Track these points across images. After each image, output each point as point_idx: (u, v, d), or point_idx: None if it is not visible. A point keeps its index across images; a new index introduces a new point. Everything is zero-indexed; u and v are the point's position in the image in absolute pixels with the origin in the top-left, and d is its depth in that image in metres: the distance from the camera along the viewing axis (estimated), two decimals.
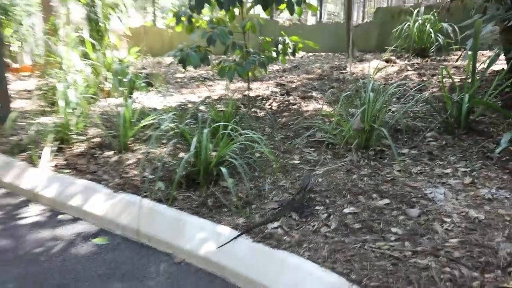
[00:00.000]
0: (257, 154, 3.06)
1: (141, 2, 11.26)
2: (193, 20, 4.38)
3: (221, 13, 4.53)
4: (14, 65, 7.95)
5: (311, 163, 2.93)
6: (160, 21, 12.32)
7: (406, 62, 6.18)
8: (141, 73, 5.86)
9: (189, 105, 4.83)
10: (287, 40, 4.61)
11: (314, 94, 4.92)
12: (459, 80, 4.66)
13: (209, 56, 4.21)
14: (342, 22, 9.00)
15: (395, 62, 6.17)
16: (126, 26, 6.28)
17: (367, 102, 2.97)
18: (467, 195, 2.30)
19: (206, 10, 4.33)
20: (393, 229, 2.00)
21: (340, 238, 1.95)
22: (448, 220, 2.05)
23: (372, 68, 5.96)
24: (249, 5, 4.45)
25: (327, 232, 2.03)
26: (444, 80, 4.71)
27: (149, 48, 9.36)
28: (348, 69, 6.08)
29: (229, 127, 2.79)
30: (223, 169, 2.40)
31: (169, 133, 3.03)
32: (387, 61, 6.24)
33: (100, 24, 5.56)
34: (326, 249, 1.85)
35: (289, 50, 4.64)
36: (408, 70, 5.57)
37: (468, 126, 3.21)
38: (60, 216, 2.55)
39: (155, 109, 4.38)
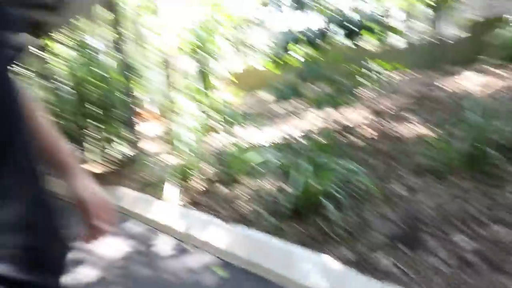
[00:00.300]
0: (359, 184, 2.95)
1: (239, 47, 11.90)
2: (285, 59, 4.50)
3: (310, 51, 4.58)
4: (141, 112, 8.93)
5: (415, 190, 2.73)
6: (257, 61, 12.79)
7: (508, 73, 5.50)
8: (246, 111, 6.16)
9: (288, 137, 4.89)
10: (375, 67, 4.46)
11: (410, 116, 4.63)
12: None
13: (302, 90, 4.27)
14: (431, 39, 8.42)
15: (495, 74, 5.54)
16: (228, 71, 6.69)
17: (472, 123, 2.70)
18: None
19: (296, 48, 4.42)
20: None
21: (458, 273, 1.76)
22: None
23: (471, 82, 5.44)
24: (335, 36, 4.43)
25: (441, 265, 1.85)
26: None
27: (249, 87, 9.81)
28: (444, 86, 5.62)
29: (329, 159, 2.75)
30: (326, 201, 2.37)
31: (272, 167, 3.10)
32: (485, 73, 5.63)
33: (208, 73, 6.01)
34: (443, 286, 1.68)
35: (378, 76, 4.48)
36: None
37: None
38: (186, 246, 2.73)
39: (258, 144, 4.53)
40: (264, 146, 4.03)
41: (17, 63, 0.68)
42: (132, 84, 6.71)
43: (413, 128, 4.21)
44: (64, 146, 0.88)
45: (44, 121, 0.86)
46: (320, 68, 4.02)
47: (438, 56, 6.26)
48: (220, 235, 2.63)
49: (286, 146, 3.89)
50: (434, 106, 4.83)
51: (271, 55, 4.21)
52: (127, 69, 4.87)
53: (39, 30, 6.52)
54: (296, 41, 3.81)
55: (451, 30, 9.92)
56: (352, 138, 4.33)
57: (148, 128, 7.47)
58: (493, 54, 5.47)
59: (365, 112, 5.49)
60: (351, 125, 4.87)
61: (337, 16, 3.20)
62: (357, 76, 4.46)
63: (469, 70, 6.58)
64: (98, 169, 5.15)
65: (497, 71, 5.69)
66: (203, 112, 5.39)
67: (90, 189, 0.85)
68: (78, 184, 0.85)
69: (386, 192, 2.77)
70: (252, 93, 9.65)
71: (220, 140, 4.90)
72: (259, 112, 6.65)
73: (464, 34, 7.39)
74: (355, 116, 5.45)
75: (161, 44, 7.66)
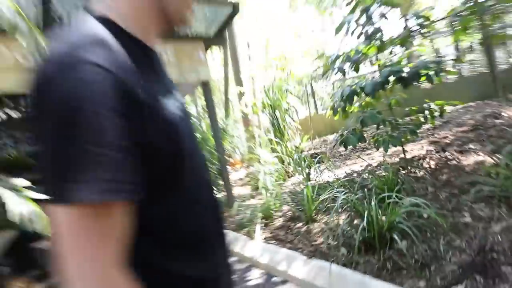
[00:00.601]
0: (425, 215, 2.73)
1: (304, 98, 12.11)
2: (347, 108, 4.47)
3: (367, 99, 4.50)
4: (231, 160, 9.44)
5: (485, 219, 2.44)
6: (320, 108, 12.83)
7: None
8: (314, 154, 6.17)
9: (355, 175, 4.74)
10: (432, 106, 4.19)
11: (471, 146, 4.20)
12: None
13: (364, 135, 4.16)
14: (484, 70, 7.69)
15: None
16: (296, 120, 6.82)
17: None
18: None
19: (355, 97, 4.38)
20: None
21: None
22: None
23: None
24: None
25: None
26: None
27: (316, 132, 9.81)
28: (504, 114, 5.04)
29: (394, 194, 2.62)
30: (395, 234, 2.23)
31: (343, 204, 3.02)
32: None
33: (280, 125, 6.20)
34: None
35: (436, 113, 4.19)
36: None
37: None
38: (273, 279, 2.74)
39: (328, 183, 4.46)
40: (334, 184, 3.95)
41: None
42: (222, 140, 7.19)
43: (475, 158, 3.81)
44: None
45: None
46: (379, 113, 3.91)
47: (491, 86, 5.68)
48: (300, 267, 2.59)
49: (351, 184, 3.78)
50: (493, 134, 4.33)
51: (334, 103, 4.24)
52: (216, 128, 5.25)
53: None
54: (355, 92, 3.78)
55: (504, 59, 8.99)
56: (415, 171, 4.05)
57: (237, 175, 7.82)
58: None
59: (426, 147, 5.12)
60: (413, 160, 4.57)
61: (394, 67, 3.14)
62: (415, 116, 4.24)
63: None
64: None
65: None
66: (278, 158, 5.51)
67: None
68: None
69: (453, 222, 2.52)
70: (316, 138, 9.62)
71: (294, 182, 4.94)
72: (327, 155, 6.58)
73: None
74: (414, 148, 5.11)
75: (241, 106, 8.17)
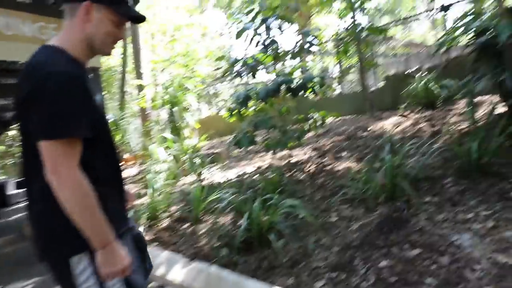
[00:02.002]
0: (301, 216, 2.92)
1: (207, 98, 12.00)
2: (242, 112, 4.54)
3: (262, 105, 4.65)
4: (124, 156, 8.68)
5: (347, 219, 2.73)
6: (221, 109, 12.90)
7: (418, 115, 5.84)
8: (211, 154, 6.10)
9: (246, 176, 4.85)
10: (316, 115, 4.59)
11: (344, 154, 4.74)
12: (466, 126, 4.28)
13: (256, 138, 4.28)
14: (360, 90, 8.89)
15: (409, 117, 5.87)
16: (196, 120, 6.65)
17: (387, 160, 2.78)
18: (492, 239, 1.98)
19: (251, 103, 4.48)
20: (428, 280, 1.74)
21: None
22: (478, 267, 1.75)
23: (389, 124, 5.71)
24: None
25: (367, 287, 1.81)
26: (453, 127, 4.35)
27: (217, 132, 9.79)
28: (370, 127, 5.87)
29: (275, 195, 2.72)
30: (272, 234, 2.30)
31: (228, 205, 3.02)
32: (402, 116, 5.95)
33: (177, 123, 5.95)
34: None
35: (319, 123, 4.60)
36: (421, 123, 5.24)
37: (482, 169, 2.86)
38: (149, 285, 2.54)
39: (219, 184, 4.44)
40: (222, 185, 3.95)
41: None
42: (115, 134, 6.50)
43: (346, 164, 4.31)
44: None
45: None
46: (271, 119, 4.07)
47: (365, 103, 6.58)
48: (180, 270, 2.47)
49: (240, 185, 3.84)
50: (360, 144, 4.99)
51: (230, 106, 4.26)
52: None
53: None
54: (249, 97, 3.88)
55: (375, 82, 10.57)
56: (297, 175, 4.35)
57: (129, 172, 7.20)
58: (407, 101, 5.84)
59: (309, 152, 5.59)
60: (297, 164, 4.92)
61: (285, 77, 3.36)
62: (301, 123, 4.57)
63: (390, 113, 6.96)
64: None
65: (411, 115, 6.04)
66: (173, 156, 5.27)
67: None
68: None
69: (323, 222, 2.75)
70: (216, 138, 9.64)
71: (186, 182, 4.78)
72: (223, 155, 6.61)
73: (384, 85, 7.87)
74: (300, 153, 5.54)
75: (140, 100, 7.58)
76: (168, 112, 6.00)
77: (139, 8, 12.25)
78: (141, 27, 10.19)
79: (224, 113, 4.77)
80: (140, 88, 8.13)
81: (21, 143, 1.07)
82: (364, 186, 2.99)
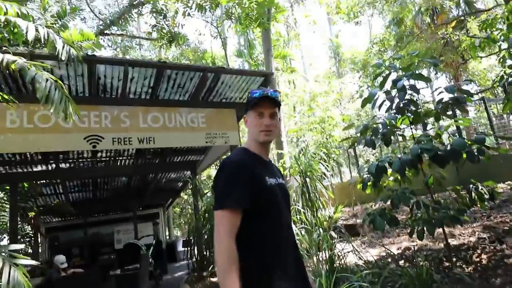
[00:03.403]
0: None
1: (348, 161, 11.50)
2: (379, 183, 3.93)
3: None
4: None
5: None
6: (354, 177, 12.03)
7: None
8: (351, 225, 5.49)
9: (389, 259, 4.01)
10: (480, 186, 3.49)
11: None
12: None
13: (397, 215, 3.55)
14: None
15: None
16: (330, 188, 6.28)
17: None
18: None
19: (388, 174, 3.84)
20: None
21: None
22: None
23: None
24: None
25: None
26: None
27: (358, 197, 9.02)
28: None
29: None
30: None
31: None
32: None
33: (310, 192, 5.73)
34: None
35: (486, 196, 3.47)
36: None
37: None
38: None
39: (355, 267, 3.79)
40: (357, 270, 3.32)
41: None
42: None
43: None
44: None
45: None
46: (413, 193, 3.37)
47: None
48: None
49: (379, 273, 3.12)
50: None
51: (364, 176, 3.77)
52: None
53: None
54: (384, 169, 3.30)
55: None
56: (457, 264, 3.26)
57: None
58: None
59: (476, 229, 4.23)
60: (458, 245, 3.75)
61: (427, 143, 2.73)
62: (460, 196, 3.58)
63: None
64: None
65: None
66: (307, 229, 4.96)
67: None
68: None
69: None
70: (363, 204, 8.79)
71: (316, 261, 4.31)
72: (364, 228, 5.84)
73: None
74: (464, 232, 4.24)
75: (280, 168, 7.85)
76: (300, 182, 5.89)
77: (281, 86, 13.54)
78: (282, 101, 11.08)
79: (357, 184, 4.26)
80: (280, 157, 8.50)
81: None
82: None
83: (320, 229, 5.08)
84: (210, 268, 5.80)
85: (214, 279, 5.29)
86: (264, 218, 1.27)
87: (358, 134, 3.90)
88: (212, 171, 14.66)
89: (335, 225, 5.72)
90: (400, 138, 4.09)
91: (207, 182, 14.94)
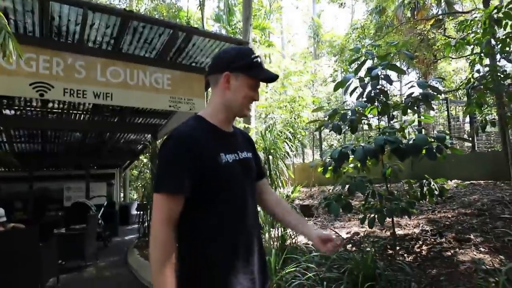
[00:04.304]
0: None
1: (312, 143, 11.67)
2: (339, 168, 3.96)
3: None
4: None
5: None
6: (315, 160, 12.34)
7: None
8: (308, 205, 5.58)
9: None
10: (432, 182, 3.64)
11: (472, 236, 3.57)
12: None
13: (352, 202, 3.62)
14: (499, 150, 7.08)
15: None
16: (291, 168, 6.31)
17: None
18: None
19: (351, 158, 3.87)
20: None
21: None
22: None
23: None
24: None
25: None
26: None
27: (317, 179, 9.24)
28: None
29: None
30: None
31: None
32: None
33: (272, 170, 5.72)
34: None
35: (436, 192, 3.63)
36: None
37: None
38: None
39: (304, 248, 3.87)
40: (306, 250, 3.37)
41: None
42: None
43: (474, 254, 3.17)
44: (293, 210, 1.41)
45: (276, 195, 1.45)
46: (370, 182, 3.42)
47: (505, 166, 5.08)
48: None
49: (328, 258, 3.19)
50: (498, 226, 3.69)
51: (326, 160, 3.77)
52: None
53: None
54: (346, 155, 3.30)
55: None
56: (400, 254, 3.43)
57: None
58: None
59: (422, 221, 4.48)
60: (403, 235, 3.95)
61: (391, 135, 2.74)
62: (413, 190, 3.71)
63: None
64: None
65: None
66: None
67: (317, 231, 1.28)
68: (312, 230, 1.28)
69: None
70: (321, 186, 9.04)
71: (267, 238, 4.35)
72: (315, 210, 5.99)
73: None
74: (410, 223, 4.48)
75: None
76: (263, 159, 5.84)
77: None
78: None
79: (318, 168, 4.27)
80: (246, 131, 8.35)
81: None
82: None
83: None
84: None
85: None
86: (217, 203, 1.09)
87: (326, 118, 3.86)
88: None
89: (292, 204, 5.83)
90: (366, 127, 4.11)
91: None
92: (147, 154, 13.80)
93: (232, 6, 15.02)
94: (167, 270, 0.99)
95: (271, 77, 1.20)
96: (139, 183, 19.83)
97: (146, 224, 7.83)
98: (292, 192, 6.22)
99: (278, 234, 4.16)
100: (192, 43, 4.88)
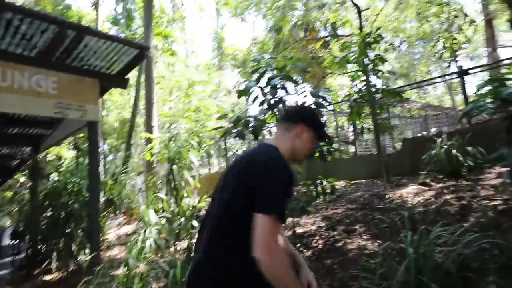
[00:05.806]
0: None
1: (218, 153, 11.76)
2: None
3: None
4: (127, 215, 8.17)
5: None
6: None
7: (441, 184, 5.24)
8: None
9: None
10: (324, 182, 4.10)
11: (357, 227, 4.13)
12: (502, 202, 3.66)
13: None
14: (375, 152, 8.42)
15: (431, 185, 5.26)
16: (196, 179, 6.24)
17: (410, 253, 2.21)
18: None
19: None
20: None
21: None
22: None
23: (409, 193, 5.11)
24: None
25: None
26: (485, 201, 3.74)
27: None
28: (387, 195, 5.27)
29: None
30: None
31: None
32: (423, 184, 5.35)
33: (176, 180, 5.55)
34: None
35: (328, 190, 4.10)
36: (445, 194, 4.63)
37: None
38: None
39: None
40: None
41: None
42: (106, 190, 6.14)
43: (359, 241, 3.68)
44: (295, 251, 1.55)
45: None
46: None
47: (381, 167, 6.06)
48: None
49: None
50: (376, 216, 4.38)
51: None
52: (94, 175, 4.36)
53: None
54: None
55: (392, 142, 10.11)
56: (300, 249, 3.74)
57: (124, 230, 6.67)
58: (427, 167, 5.29)
59: (317, 219, 4.98)
60: (302, 233, 4.32)
61: None
62: (309, 190, 4.09)
63: (408, 180, 6.36)
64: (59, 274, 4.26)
65: (432, 183, 5.45)
66: (167, 219, 4.76)
67: (310, 274, 1.44)
68: (308, 272, 1.45)
69: None
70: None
71: (180, 249, 4.21)
72: None
73: (401, 148, 7.38)
74: (308, 222, 4.93)
75: (145, 153, 7.33)
76: (167, 170, 5.64)
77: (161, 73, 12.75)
78: (158, 83, 10.39)
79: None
80: (149, 141, 7.95)
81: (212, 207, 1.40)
82: (381, 281, 2.38)
83: (183, 218, 4.99)
84: (44, 265, 4.90)
85: (48, 277, 4.49)
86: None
87: (231, 125, 3.99)
88: (64, 151, 12.56)
89: (198, 213, 5.74)
90: (268, 134, 4.38)
91: (55, 163, 12.70)
92: (26, 171, 11.77)
93: (131, 11, 14.25)
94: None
95: (329, 137, 1.52)
96: (14, 207, 16.68)
97: (24, 254, 6.63)
98: (199, 202, 6.14)
99: (185, 246, 4.05)
100: (84, 44, 4.43)
